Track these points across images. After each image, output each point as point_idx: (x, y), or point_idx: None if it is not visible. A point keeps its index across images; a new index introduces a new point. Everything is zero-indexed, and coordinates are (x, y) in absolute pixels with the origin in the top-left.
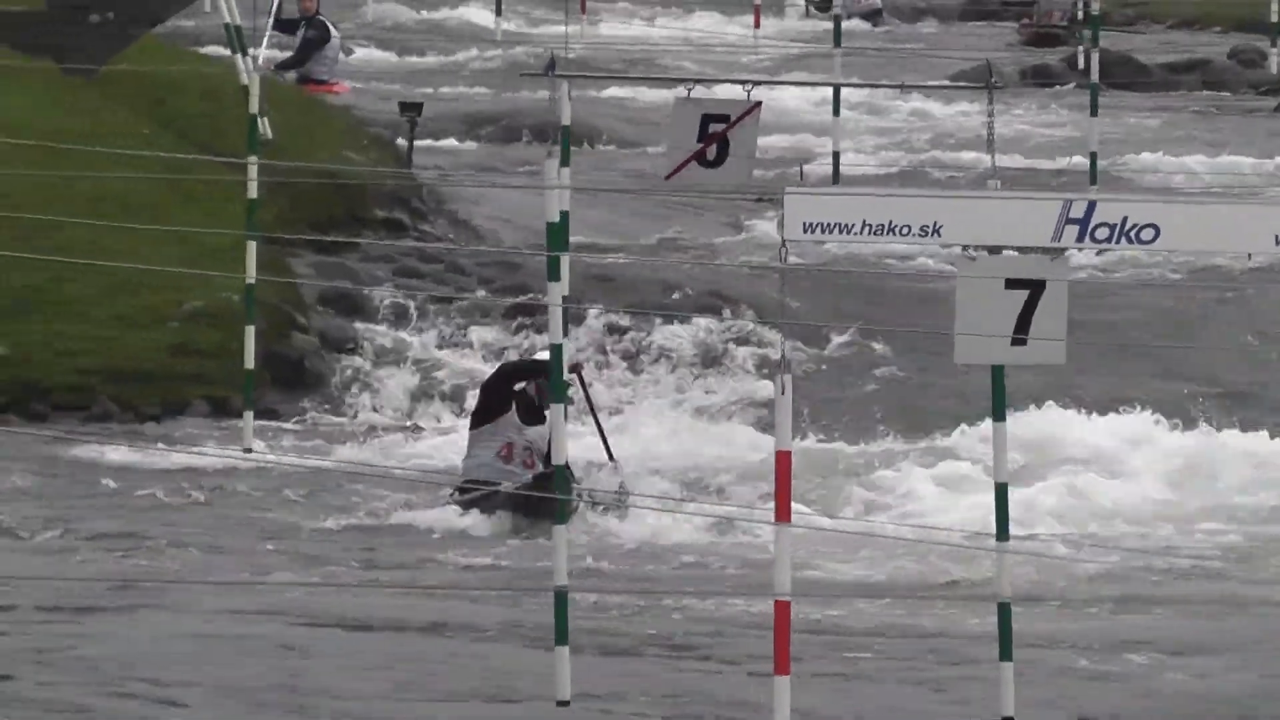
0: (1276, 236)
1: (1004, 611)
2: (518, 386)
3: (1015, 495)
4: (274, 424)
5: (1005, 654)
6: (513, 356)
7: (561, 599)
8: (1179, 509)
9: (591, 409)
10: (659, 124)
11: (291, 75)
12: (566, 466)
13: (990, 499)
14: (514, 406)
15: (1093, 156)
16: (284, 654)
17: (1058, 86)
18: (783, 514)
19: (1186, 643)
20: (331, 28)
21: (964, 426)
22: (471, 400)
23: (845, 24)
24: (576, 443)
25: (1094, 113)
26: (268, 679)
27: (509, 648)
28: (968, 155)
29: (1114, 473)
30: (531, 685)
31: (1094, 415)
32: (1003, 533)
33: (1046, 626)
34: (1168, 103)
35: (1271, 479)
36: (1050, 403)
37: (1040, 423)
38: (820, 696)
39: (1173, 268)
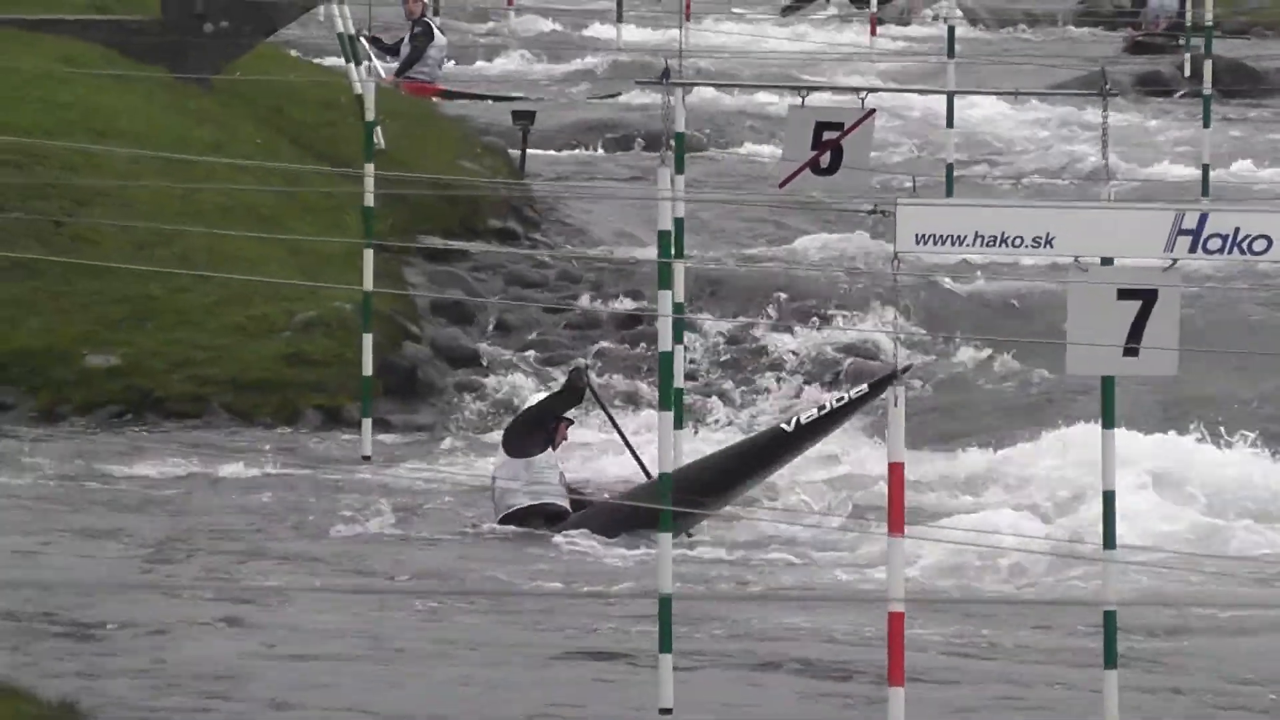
0: None
1: (1110, 619)
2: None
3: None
4: (388, 436)
5: (1110, 661)
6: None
7: (666, 605)
8: None
9: (610, 419)
10: (774, 132)
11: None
12: (668, 476)
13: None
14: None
15: (1205, 168)
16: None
17: (1172, 95)
18: (896, 526)
19: None
20: (437, 30)
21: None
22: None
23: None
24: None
25: (1206, 123)
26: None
27: (610, 658)
28: (1085, 161)
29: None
30: (635, 695)
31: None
32: (1110, 542)
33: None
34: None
35: None
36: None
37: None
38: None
39: None
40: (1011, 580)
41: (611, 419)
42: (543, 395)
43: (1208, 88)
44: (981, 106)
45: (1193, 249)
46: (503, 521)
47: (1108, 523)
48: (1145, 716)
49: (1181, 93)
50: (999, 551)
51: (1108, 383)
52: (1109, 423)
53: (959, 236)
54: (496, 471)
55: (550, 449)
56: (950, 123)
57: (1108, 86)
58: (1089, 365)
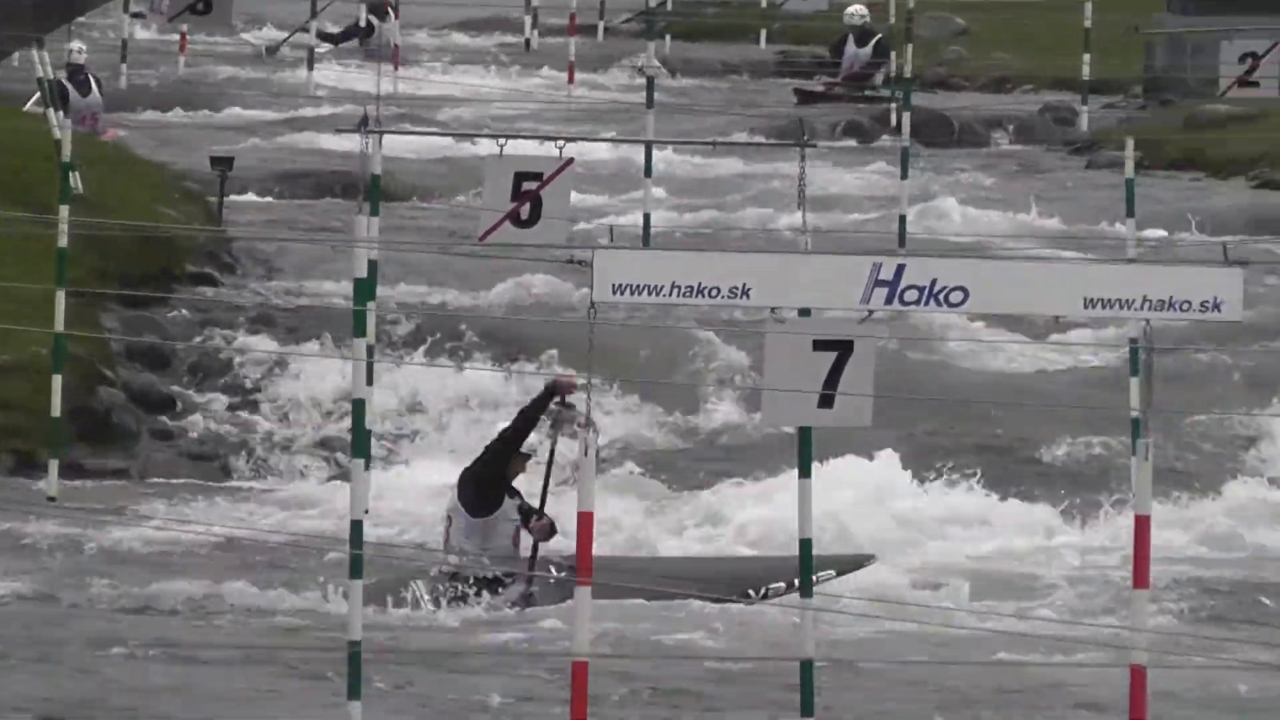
0: (1085, 299)
1: (806, 670)
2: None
3: None
4: (81, 481)
5: (807, 709)
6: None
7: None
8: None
9: (549, 458)
10: (468, 182)
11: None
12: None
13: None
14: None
15: (901, 219)
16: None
17: (869, 143)
18: (584, 574)
19: None
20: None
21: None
22: (277, 455)
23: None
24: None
25: (904, 175)
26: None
27: None
28: (780, 214)
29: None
30: None
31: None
32: (807, 590)
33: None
34: (980, 161)
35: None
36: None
37: None
38: None
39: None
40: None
41: (550, 457)
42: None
43: (906, 139)
44: (681, 156)
45: (890, 300)
46: (451, 577)
47: (805, 571)
48: None
49: (884, 140)
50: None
51: (805, 433)
52: (805, 471)
53: (656, 286)
54: (452, 516)
55: (507, 497)
56: (648, 172)
57: (805, 137)
58: (784, 415)
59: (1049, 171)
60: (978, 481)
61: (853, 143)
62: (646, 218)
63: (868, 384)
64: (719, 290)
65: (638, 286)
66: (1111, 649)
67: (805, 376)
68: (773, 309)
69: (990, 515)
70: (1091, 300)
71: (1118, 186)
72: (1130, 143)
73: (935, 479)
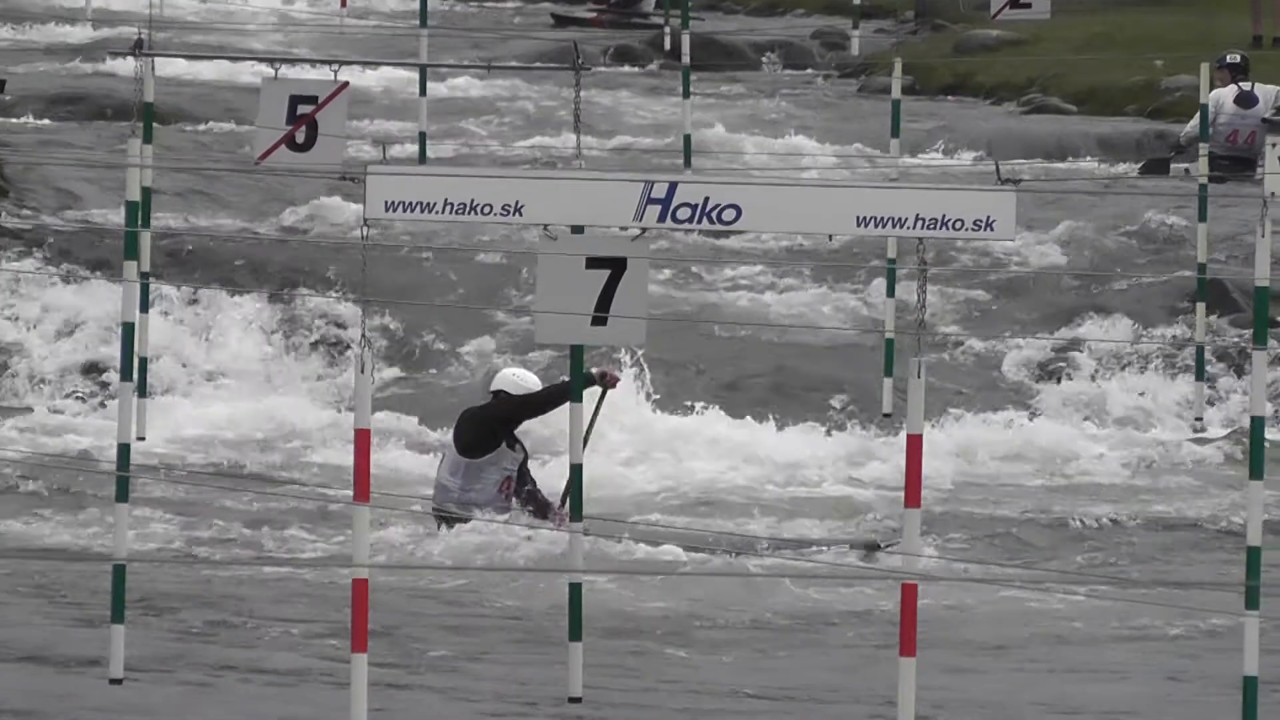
0: (858, 218)
1: (575, 591)
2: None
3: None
4: None
5: (575, 634)
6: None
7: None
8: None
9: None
10: (244, 107)
11: None
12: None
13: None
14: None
15: (686, 139)
16: None
17: (644, 66)
18: (361, 493)
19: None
20: None
21: None
22: None
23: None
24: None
25: (685, 95)
26: None
27: None
28: (557, 137)
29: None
30: None
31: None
32: (577, 514)
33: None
34: (754, 85)
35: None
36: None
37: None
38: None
39: None
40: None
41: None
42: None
43: (686, 59)
44: (456, 78)
45: (662, 218)
46: (436, 514)
47: (576, 495)
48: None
49: (655, 65)
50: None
51: (576, 352)
52: (577, 396)
53: (429, 204)
54: (445, 454)
55: (506, 445)
56: (423, 92)
57: (580, 61)
58: (557, 334)
59: (820, 95)
60: (746, 408)
61: (628, 67)
62: (422, 136)
63: (641, 302)
64: (491, 208)
65: (410, 204)
66: (883, 568)
67: (578, 295)
68: (545, 227)
69: (755, 441)
70: (864, 219)
71: (888, 111)
72: (898, 65)
73: (697, 404)
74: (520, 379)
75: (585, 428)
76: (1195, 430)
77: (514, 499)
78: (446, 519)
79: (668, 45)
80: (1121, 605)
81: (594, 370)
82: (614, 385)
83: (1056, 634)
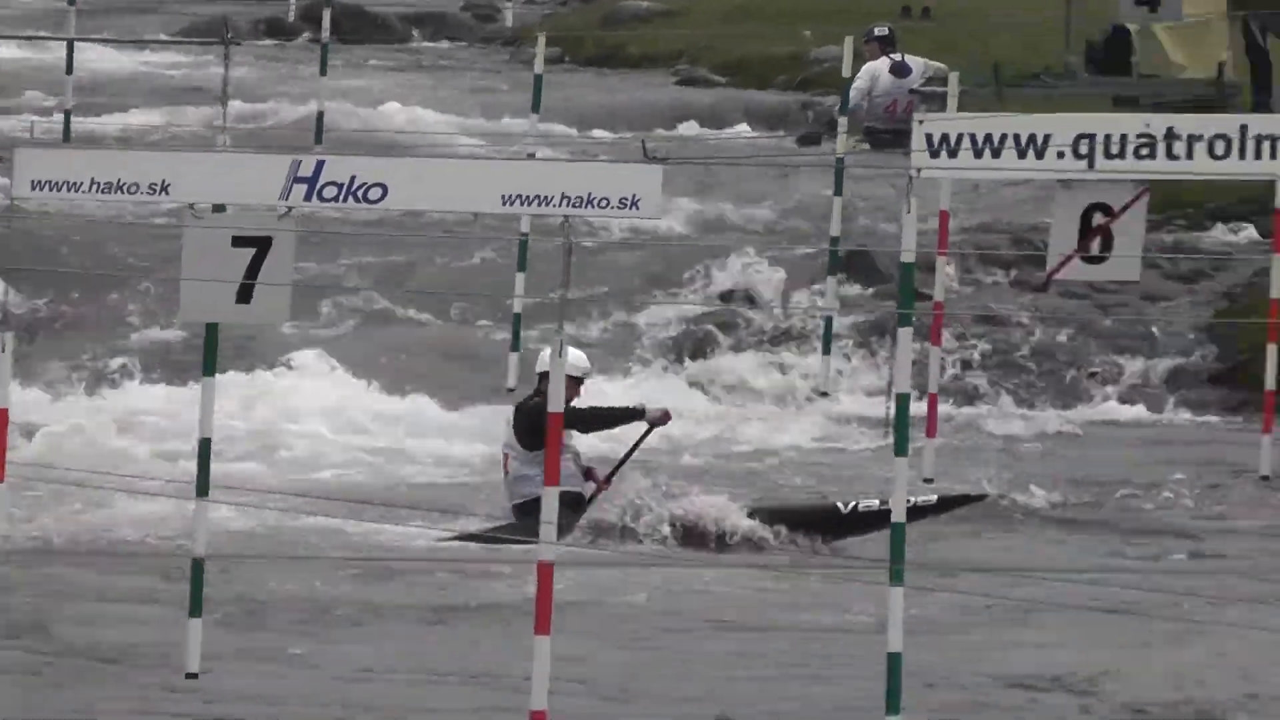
0: (504, 195)
1: (196, 566)
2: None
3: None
4: None
5: (195, 610)
6: None
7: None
8: None
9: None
10: None
11: None
12: None
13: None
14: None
15: (319, 116)
16: None
17: (293, 40)
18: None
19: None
20: None
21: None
22: None
23: None
24: None
25: (324, 71)
26: None
27: None
28: (205, 110)
29: None
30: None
31: None
32: (203, 490)
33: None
34: (403, 58)
35: None
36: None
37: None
38: None
39: None
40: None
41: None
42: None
43: (326, 34)
44: (104, 54)
45: (309, 196)
46: (517, 509)
47: (202, 469)
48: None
49: (304, 38)
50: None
51: (212, 329)
52: (209, 370)
53: (76, 183)
54: (510, 453)
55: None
56: (69, 69)
57: (229, 35)
58: (201, 311)
59: (470, 68)
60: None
61: (274, 41)
62: (67, 115)
63: (287, 279)
64: (138, 187)
65: (58, 183)
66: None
67: (223, 272)
68: (191, 205)
69: (384, 411)
70: (510, 197)
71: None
72: (542, 39)
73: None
74: (574, 361)
75: (624, 454)
76: (819, 397)
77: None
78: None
79: (291, 16)
80: (774, 586)
81: (654, 409)
82: (664, 424)
83: (713, 618)
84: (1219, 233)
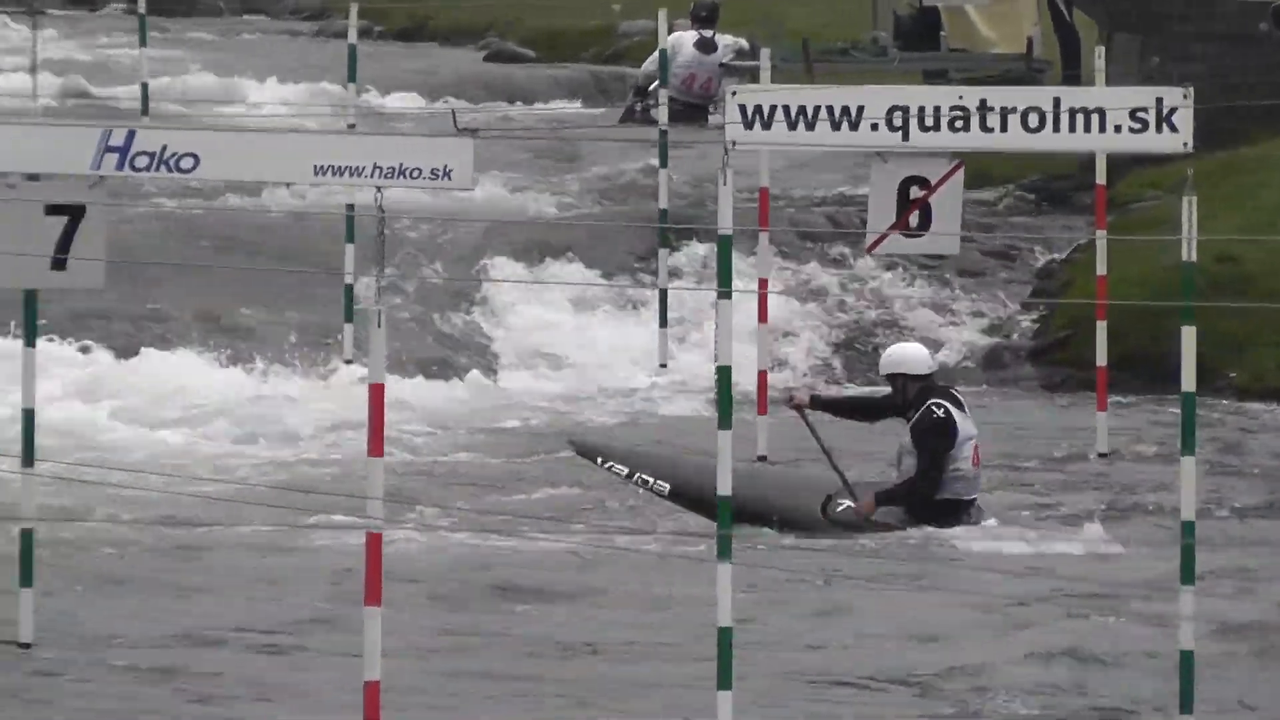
0: (315, 166)
1: (26, 537)
2: None
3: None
4: None
5: (27, 580)
6: None
7: None
8: None
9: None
10: None
11: None
12: None
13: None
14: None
15: (144, 86)
16: None
17: (98, 9)
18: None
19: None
20: None
21: None
22: None
23: None
24: None
25: (143, 42)
26: None
27: None
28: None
29: None
30: None
31: None
32: (28, 460)
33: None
34: (214, 29)
35: None
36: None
37: None
38: None
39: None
40: None
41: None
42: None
43: (142, 7)
44: None
45: (121, 165)
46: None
47: (27, 440)
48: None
49: (118, 9)
50: None
51: (30, 297)
52: (30, 340)
53: None
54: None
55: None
56: None
57: (34, 4)
58: (13, 279)
59: (281, 38)
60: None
61: (85, 11)
62: None
63: (100, 246)
64: None
65: None
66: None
67: (37, 240)
68: (2, 174)
69: (207, 384)
70: (322, 168)
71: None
72: (354, 10)
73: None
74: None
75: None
76: (659, 376)
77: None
78: None
79: None
80: (605, 554)
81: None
82: (800, 404)
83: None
84: (1028, 207)
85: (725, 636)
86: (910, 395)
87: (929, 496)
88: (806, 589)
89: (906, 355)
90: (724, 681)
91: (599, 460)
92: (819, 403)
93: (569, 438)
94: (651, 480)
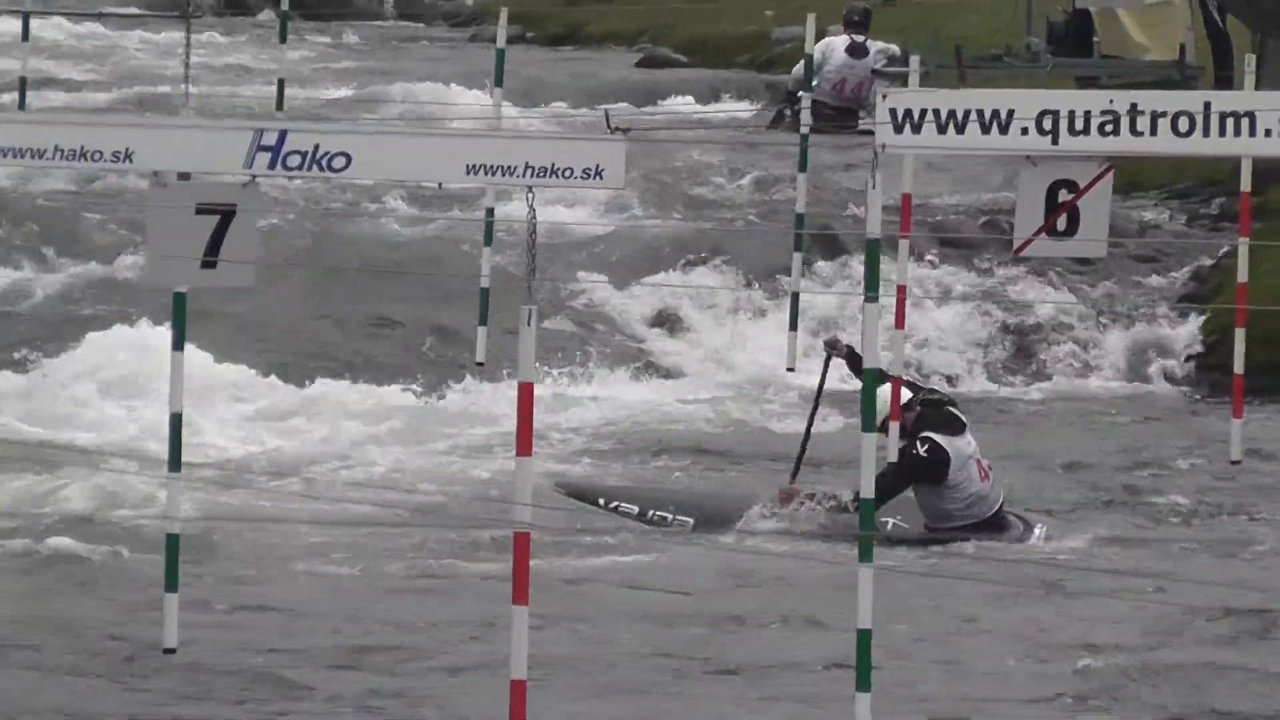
0: (468, 165)
1: (172, 541)
2: None
3: None
4: None
5: (171, 586)
6: None
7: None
8: None
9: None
10: None
11: None
12: None
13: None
14: None
15: (280, 84)
16: None
17: (254, 15)
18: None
19: None
20: None
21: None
22: None
23: None
24: None
25: (283, 39)
26: None
27: None
28: (167, 82)
29: None
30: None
31: None
32: (175, 464)
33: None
34: (367, 34)
35: None
36: None
37: None
38: None
39: None
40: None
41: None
42: None
43: (285, 6)
44: (61, 25)
45: (273, 165)
46: None
47: (174, 444)
48: None
49: (266, 14)
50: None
51: (178, 299)
52: (179, 344)
53: (40, 150)
54: None
55: None
56: (25, 37)
57: (190, 8)
58: (166, 278)
59: (434, 44)
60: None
61: (240, 16)
62: (23, 82)
63: (251, 247)
64: (102, 155)
65: (21, 151)
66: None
67: (188, 239)
68: (155, 173)
69: (341, 391)
70: (474, 167)
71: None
72: (504, 15)
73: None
74: None
75: (816, 394)
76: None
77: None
78: None
79: None
80: (746, 560)
81: (824, 339)
82: (839, 352)
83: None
84: (1182, 212)
85: (864, 638)
86: (908, 422)
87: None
88: (929, 596)
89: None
90: (863, 683)
91: (601, 502)
92: (854, 358)
93: (556, 483)
94: (671, 517)
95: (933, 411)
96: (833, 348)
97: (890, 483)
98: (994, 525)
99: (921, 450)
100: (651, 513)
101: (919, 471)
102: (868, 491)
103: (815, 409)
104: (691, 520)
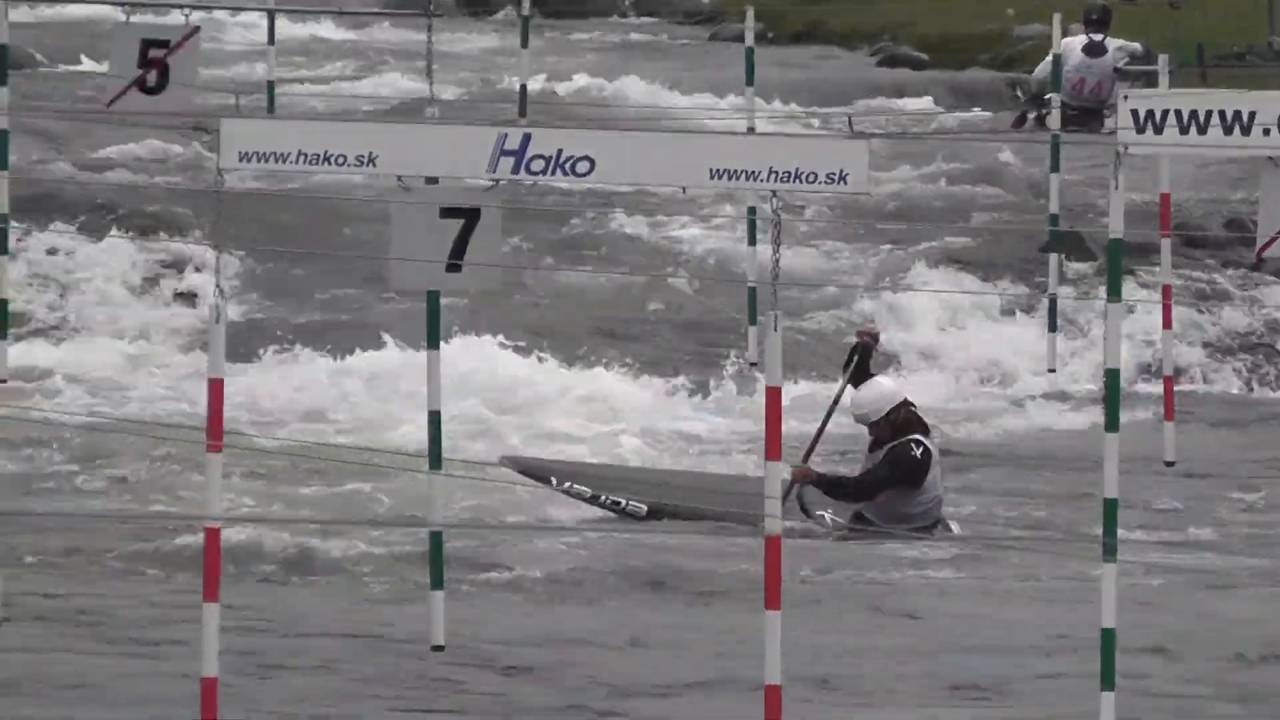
0: (711, 169)
1: (435, 539)
2: None
3: None
4: None
5: (437, 582)
6: None
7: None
8: None
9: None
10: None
11: None
12: None
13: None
14: None
15: (523, 88)
16: None
17: (495, 13)
18: (214, 441)
19: None
20: None
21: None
22: None
23: None
24: None
25: (524, 43)
26: None
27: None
28: (409, 83)
29: None
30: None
31: None
32: (435, 461)
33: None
34: (606, 31)
35: None
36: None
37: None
38: None
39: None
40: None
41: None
42: None
43: (527, 8)
44: (306, 24)
45: (516, 169)
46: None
47: (434, 442)
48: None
49: (507, 12)
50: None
51: (432, 298)
52: (434, 342)
53: (283, 154)
54: None
55: None
56: (271, 39)
57: (431, 6)
58: (412, 281)
59: (673, 42)
60: (598, 358)
61: (479, 15)
62: (270, 85)
63: (495, 250)
64: (345, 158)
65: (264, 154)
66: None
67: (432, 242)
68: (399, 177)
69: (612, 391)
70: (717, 171)
71: (740, 59)
72: (750, 13)
73: (555, 357)
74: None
75: (842, 382)
76: (1049, 380)
77: None
78: None
79: None
80: (985, 557)
81: (858, 330)
82: (873, 342)
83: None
84: None
85: (1108, 637)
86: (898, 423)
87: (855, 501)
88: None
89: (885, 392)
90: (1108, 682)
91: (553, 482)
92: (825, 483)
93: (501, 456)
94: (624, 502)
95: (910, 412)
96: (869, 338)
97: (879, 482)
98: (938, 525)
99: (917, 452)
100: (604, 496)
101: (914, 473)
102: (1111, 492)
103: (840, 395)
104: (645, 508)
